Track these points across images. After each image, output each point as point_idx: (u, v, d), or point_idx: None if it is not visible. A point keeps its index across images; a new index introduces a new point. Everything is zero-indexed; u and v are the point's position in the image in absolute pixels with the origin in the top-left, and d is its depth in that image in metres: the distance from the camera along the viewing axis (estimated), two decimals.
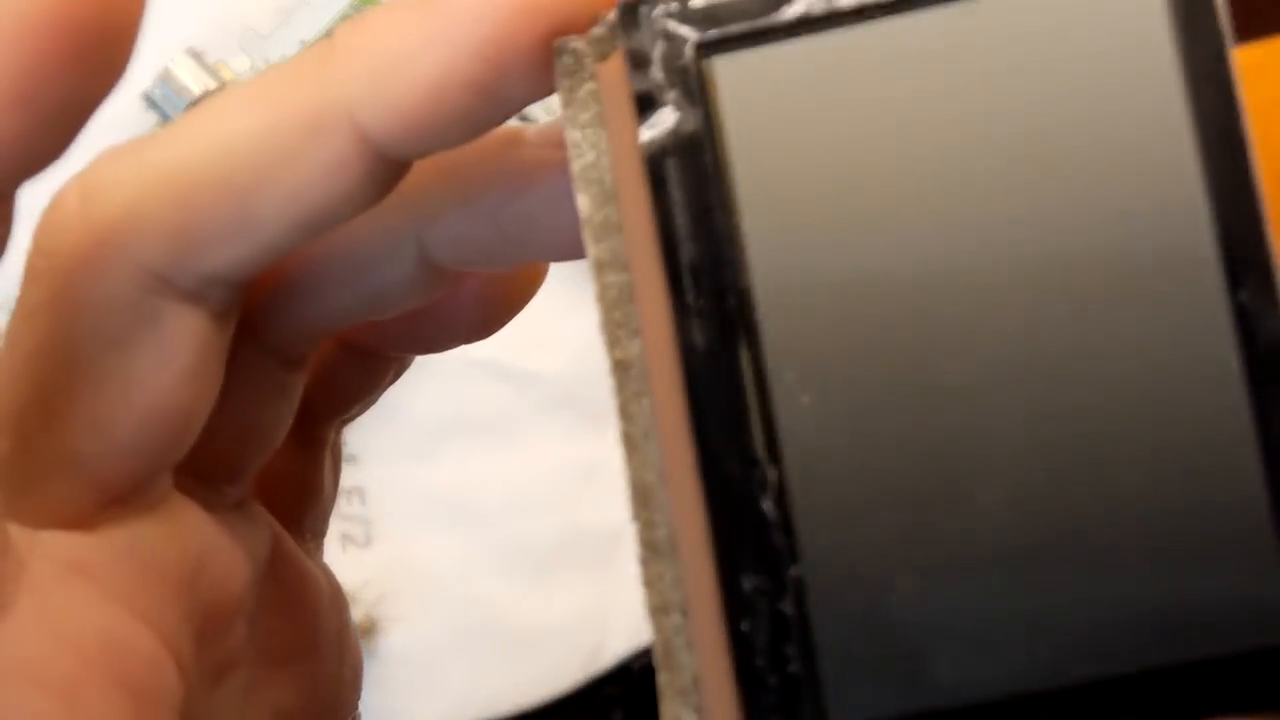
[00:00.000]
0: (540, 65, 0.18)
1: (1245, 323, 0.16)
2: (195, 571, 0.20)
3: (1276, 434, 0.16)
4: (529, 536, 0.49)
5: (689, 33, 0.17)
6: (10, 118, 0.16)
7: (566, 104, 0.18)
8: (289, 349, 0.21)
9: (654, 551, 0.17)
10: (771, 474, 0.16)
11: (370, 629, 0.49)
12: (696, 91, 0.17)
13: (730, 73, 0.17)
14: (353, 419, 0.24)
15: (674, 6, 0.17)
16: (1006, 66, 0.17)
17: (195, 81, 0.50)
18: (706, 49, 0.17)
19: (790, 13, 0.17)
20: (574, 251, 0.20)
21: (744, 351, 0.17)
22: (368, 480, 0.50)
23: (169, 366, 0.19)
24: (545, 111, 0.46)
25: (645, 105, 0.17)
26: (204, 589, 0.20)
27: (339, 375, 0.24)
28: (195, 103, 0.49)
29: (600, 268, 0.17)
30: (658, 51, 0.17)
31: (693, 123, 0.17)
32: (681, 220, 0.17)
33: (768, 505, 0.16)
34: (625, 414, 0.17)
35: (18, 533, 0.18)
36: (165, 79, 0.50)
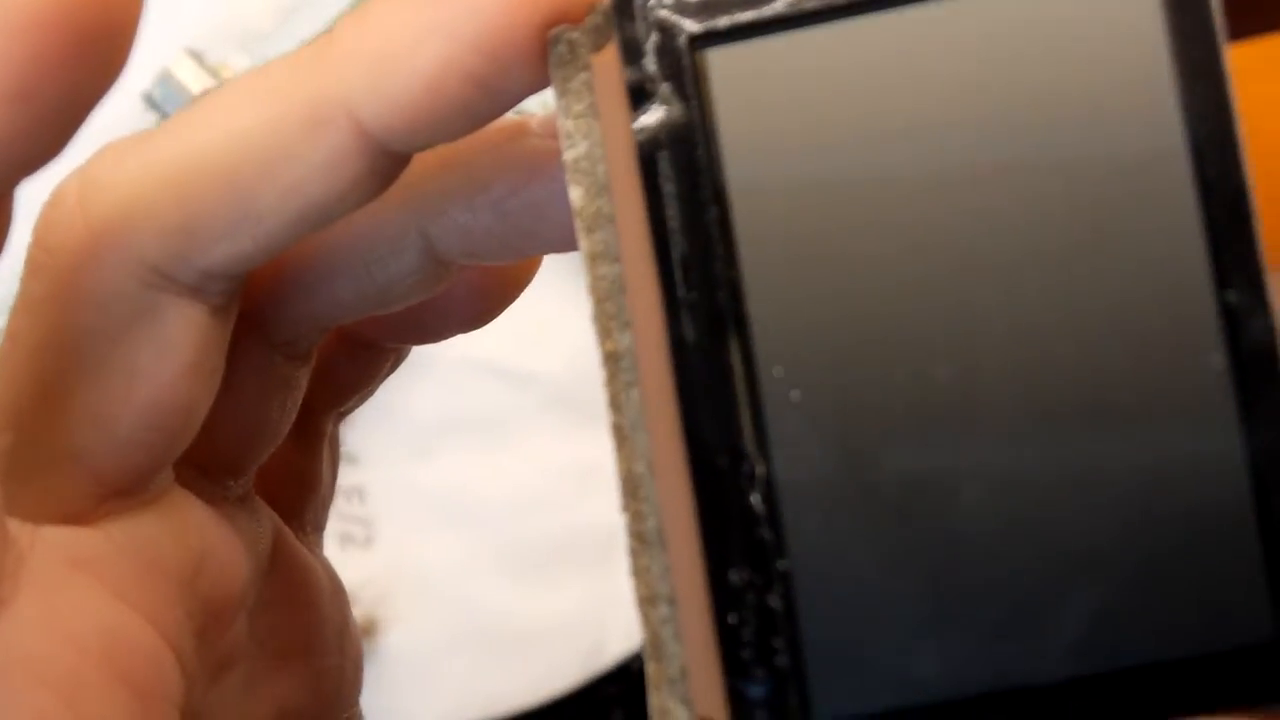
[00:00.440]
0: (538, 56, 0.18)
1: (1233, 323, 0.16)
2: (197, 567, 0.20)
3: (1262, 434, 0.16)
4: (529, 536, 0.49)
5: (683, 24, 0.17)
6: (10, 113, 0.16)
7: (560, 94, 0.18)
8: (294, 343, 0.22)
9: (643, 542, 0.17)
10: (760, 468, 0.17)
11: (370, 629, 0.49)
12: (690, 83, 0.17)
13: (723, 65, 0.17)
14: (350, 410, 0.24)
15: None
16: (999, 60, 0.17)
17: (195, 81, 0.50)
18: (700, 41, 0.17)
19: (783, 5, 0.17)
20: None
21: (734, 346, 0.17)
22: (368, 480, 0.50)
23: (169, 361, 0.19)
24: (540, 106, 0.46)
25: (638, 96, 0.17)
26: (205, 584, 0.20)
27: (337, 367, 0.24)
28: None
29: (593, 259, 0.17)
30: (651, 43, 0.17)
31: (685, 115, 0.17)
32: (673, 212, 0.17)
33: (755, 499, 0.16)
34: (615, 405, 0.17)
35: (18, 528, 0.18)
36: (165, 79, 0.50)
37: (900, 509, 0.16)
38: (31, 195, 0.18)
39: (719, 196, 0.17)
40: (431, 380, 0.50)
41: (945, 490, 0.16)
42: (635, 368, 0.17)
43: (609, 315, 0.17)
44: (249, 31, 0.51)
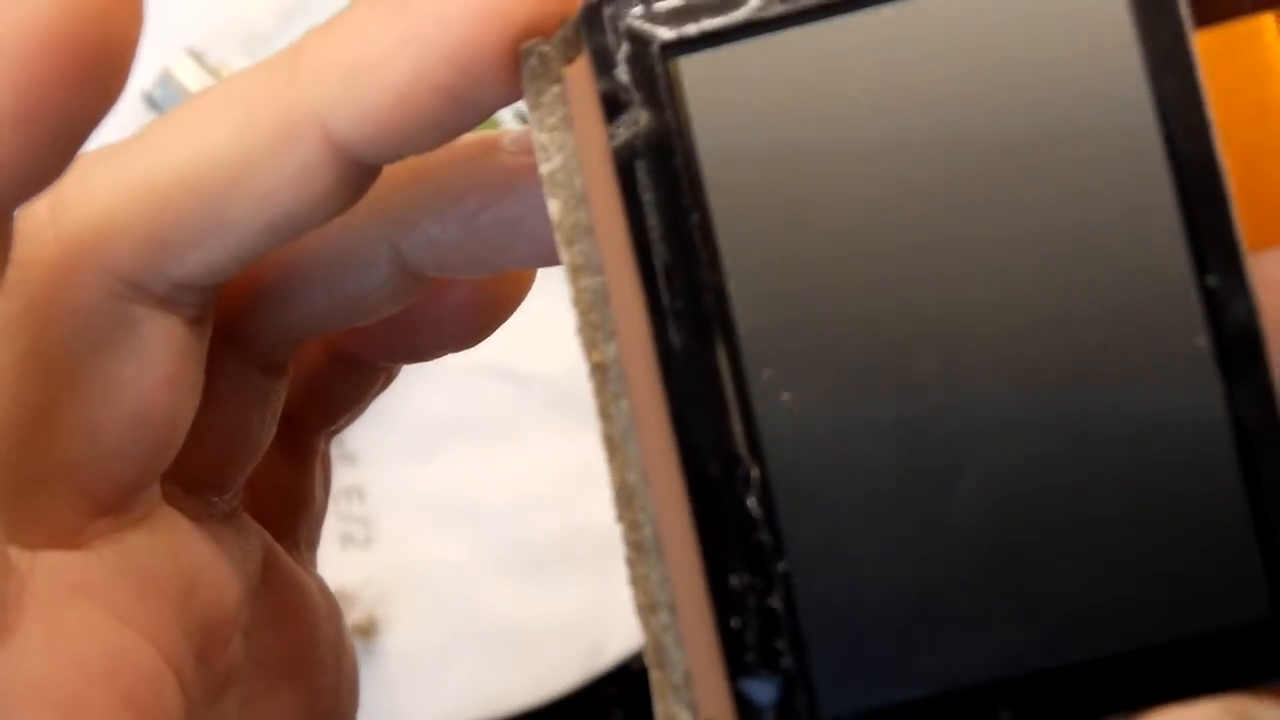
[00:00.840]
0: (510, 69, 0.18)
1: (1214, 306, 0.16)
2: (190, 586, 0.20)
3: (1247, 415, 0.16)
4: (529, 536, 0.49)
5: (653, 33, 0.17)
6: (10, 138, 0.16)
7: (533, 107, 0.18)
8: (269, 355, 0.22)
9: (640, 551, 0.17)
10: (754, 471, 0.17)
11: (370, 629, 0.49)
12: (663, 92, 0.17)
13: (696, 72, 0.17)
14: (341, 429, 0.24)
15: (637, 7, 0.17)
16: (969, 56, 0.17)
17: (195, 82, 0.50)
18: (671, 49, 0.17)
19: (750, 10, 0.17)
20: (552, 257, 0.20)
21: (721, 350, 0.17)
22: (368, 480, 0.50)
23: (149, 372, 0.19)
24: (514, 116, 0.46)
25: (612, 107, 0.17)
26: (200, 604, 0.20)
27: (328, 385, 0.24)
28: None
29: (574, 271, 0.17)
30: (622, 52, 0.17)
31: (660, 123, 0.17)
32: (653, 221, 0.17)
33: (752, 502, 0.17)
34: (605, 415, 0.17)
35: (17, 554, 0.18)
36: (165, 79, 0.50)
37: (896, 504, 0.16)
38: None
39: (699, 203, 0.17)
40: (431, 380, 0.50)
41: (939, 483, 0.16)
42: (623, 378, 0.17)
43: (594, 326, 0.17)
44: (249, 32, 0.51)
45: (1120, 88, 0.16)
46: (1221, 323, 0.16)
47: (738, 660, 0.16)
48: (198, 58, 0.50)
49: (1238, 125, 0.17)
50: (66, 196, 0.18)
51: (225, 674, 0.21)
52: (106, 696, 0.18)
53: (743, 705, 0.16)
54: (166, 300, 0.19)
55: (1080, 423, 0.16)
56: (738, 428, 0.17)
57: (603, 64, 0.17)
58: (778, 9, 0.17)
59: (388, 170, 0.19)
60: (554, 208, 0.18)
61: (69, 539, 0.19)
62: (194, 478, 0.21)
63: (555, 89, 0.18)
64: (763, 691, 0.16)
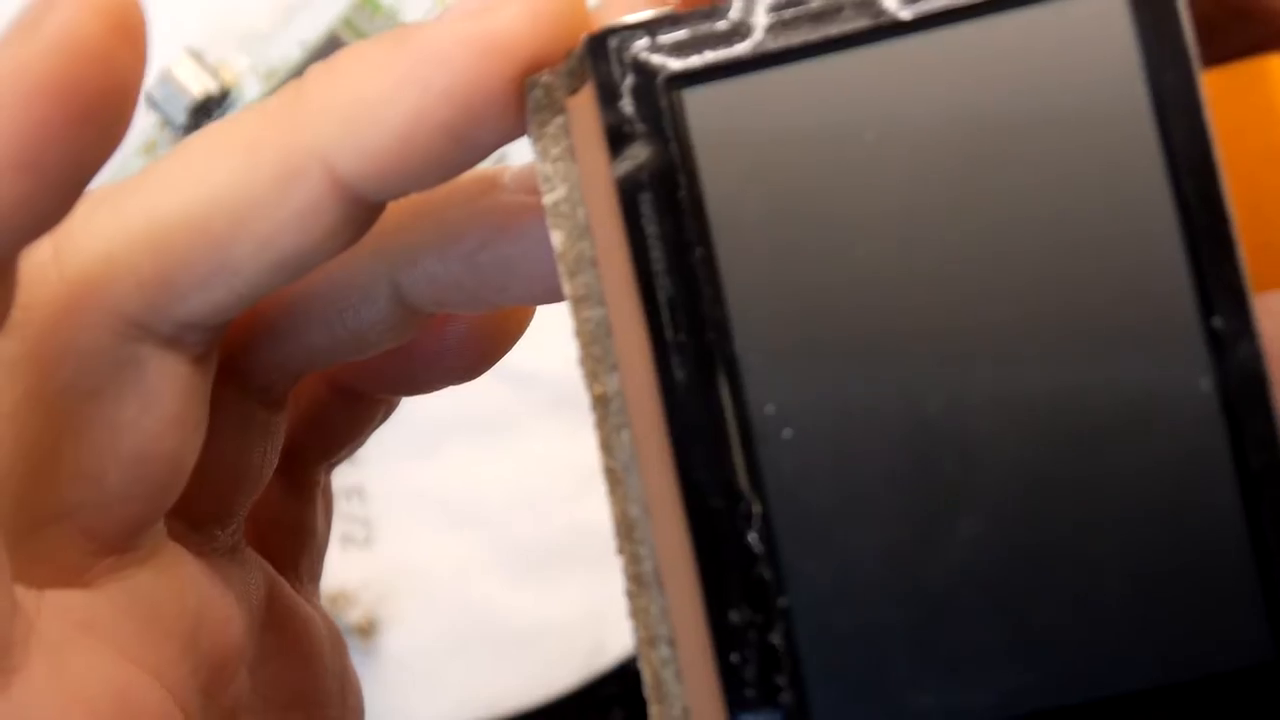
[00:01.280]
0: (511, 107, 0.17)
1: (1219, 348, 0.16)
2: (196, 622, 0.20)
3: (1252, 460, 0.16)
4: (529, 536, 0.49)
5: (658, 65, 0.17)
6: (15, 182, 0.16)
7: (537, 139, 0.18)
8: (269, 390, 0.22)
9: (640, 584, 0.17)
10: (755, 507, 0.17)
11: (370, 629, 0.49)
12: (667, 124, 0.17)
13: (700, 104, 0.17)
14: (342, 460, 0.24)
15: (642, 39, 0.17)
16: (974, 95, 0.16)
17: (195, 81, 0.50)
18: (676, 81, 0.17)
19: (758, 43, 0.17)
20: (553, 295, 0.20)
21: (724, 385, 0.17)
22: (368, 480, 0.50)
23: (153, 412, 0.19)
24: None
25: (616, 139, 0.17)
26: (206, 640, 0.20)
27: (328, 418, 0.24)
28: (196, 104, 0.49)
29: (576, 303, 0.17)
30: (627, 84, 0.17)
31: (664, 156, 0.17)
32: (657, 254, 0.17)
33: (753, 538, 0.16)
34: (606, 448, 0.17)
35: (24, 594, 0.18)
36: (165, 79, 0.50)
37: (896, 541, 0.16)
38: None
39: (702, 236, 0.17)
40: None
41: (941, 521, 0.16)
42: (625, 410, 0.17)
43: (596, 359, 0.17)
44: (249, 31, 0.50)
45: (1127, 127, 0.16)
46: (1227, 365, 0.16)
47: (737, 695, 0.16)
48: (197, 57, 0.50)
49: (1246, 165, 0.17)
50: (70, 236, 0.18)
51: (231, 709, 0.21)
52: None
53: None
54: (171, 340, 0.19)
55: (1084, 464, 0.16)
56: (740, 462, 0.17)
57: (607, 95, 0.17)
58: (782, 43, 0.17)
59: (389, 207, 0.19)
60: (557, 239, 0.17)
61: (75, 578, 0.19)
62: (197, 512, 0.21)
63: (559, 120, 0.18)
64: None
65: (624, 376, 0.17)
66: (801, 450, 0.16)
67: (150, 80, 0.49)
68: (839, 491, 0.16)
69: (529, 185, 0.20)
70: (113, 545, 0.19)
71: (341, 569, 0.49)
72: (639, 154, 0.17)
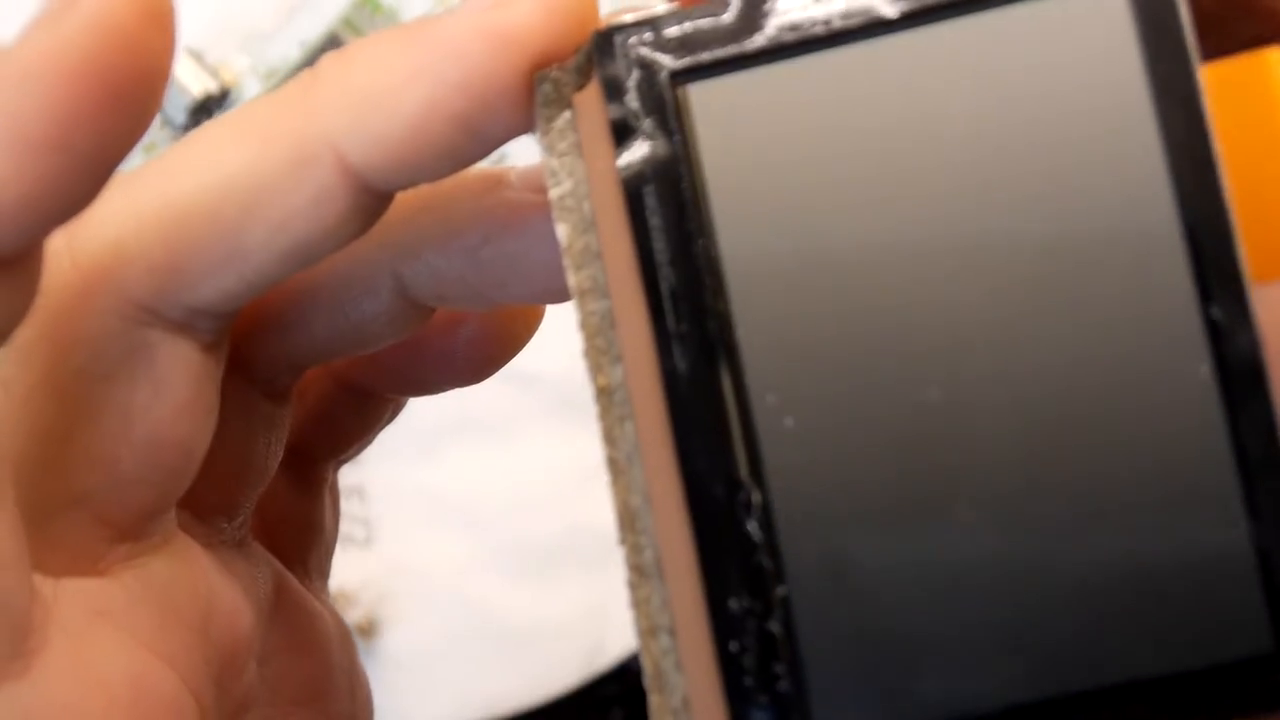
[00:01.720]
0: (523, 99, 0.18)
1: (1217, 337, 0.16)
2: (207, 611, 0.20)
3: (1251, 448, 0.16)
4: (529, 536, 0.49)
5: (663, 60, 0.17)
6: (45, 162, 0.16)
7: (545, 133, 0.18)
8: (273, 381, 0.22)
9: (641, 574, 0.17)
10: (756, 496, 0.17)
11: (370, 629, 0.49)
12: (672, 119, 0.17)
13: (704, 99, 0.17)
14: (350, 458, 0.25)
15: (648, 35, 0.17)
16: (976, 89, 0.17)
17: (195, 81, 0.50)
18: (680, 76, 0.17)
19: (761, 39, 0.17)
20: (554, 294, 0.20)
21: (725, 375, 0.17)
22: (368, 480, 0.50)
23: (165, 398, 0.19)
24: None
25: (622, 133, 0.17)
26: (216, 630, 0.20)
27: (337, 416, 0.24)
28: (196, 104, 0.49)
29: (581, 295, 0.18)
30: (633, 79, 0.17)
31: (669, 150, 0.17)
32: (660, 246, 0.17)
33: (753, 527, 0.17)
34: (609, 439, 0.17)
35: (41, 581, 0.19)
36: None
37: (896, 531, 0.16)
38: None
39: (705, 229, 0.17)
40: None
41: (942, 512, 0.16)
42: (628, 401, 0.17)
43: (600, 350, 0.17)
44: (249, 31, 0.50)
45: (1126, 119, 0.16)
46: (1225, 354, 0.16)
47: (736, 684, 0.17)
48: (197, 57, 0.50)
49: (1244, 156, 0.17)
50: (81, 223, 0.18)
51: (242, 700, 0.21)
52: None
53: None
54: (182, 326, 0.19)
55: (1082, 454, 0.16)
56: (740, 452, 0.17)
57: (613, 91, 0.17)
58: (787, 37, 0.17)
59: (395, 199, 0.19)
60: (563, 232, 0.18)
61: (90, 565, 0.19)
62: (204, 503, 0.21)
63: (566, 115, 0.18)
64: (760, 715, 0.17)
65: (627, 368, 0.17)
66: (802, 440, 0.17)
67: None
68: (839, 481, 0.17)
69: (535, 184, 0.20)
70: (126, 532, 0.19)
71: (341, 569, 0.49)
72: (643, 147, 0.17)
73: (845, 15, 0.17)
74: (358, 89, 0.18)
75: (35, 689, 0.18)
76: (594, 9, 0.18)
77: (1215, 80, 0.17)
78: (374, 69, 0.18)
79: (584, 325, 0.18)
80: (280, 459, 0.22)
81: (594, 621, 0.48)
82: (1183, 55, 0.16)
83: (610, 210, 0.17)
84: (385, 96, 0.17)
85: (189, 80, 0.50)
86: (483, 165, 0.19)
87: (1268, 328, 0.16)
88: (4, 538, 0.17)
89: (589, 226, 0.18)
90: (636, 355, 0.17)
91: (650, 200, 0.17)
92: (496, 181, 0.20)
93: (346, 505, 0.50)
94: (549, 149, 0.18)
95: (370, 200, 0.18)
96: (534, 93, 0.18)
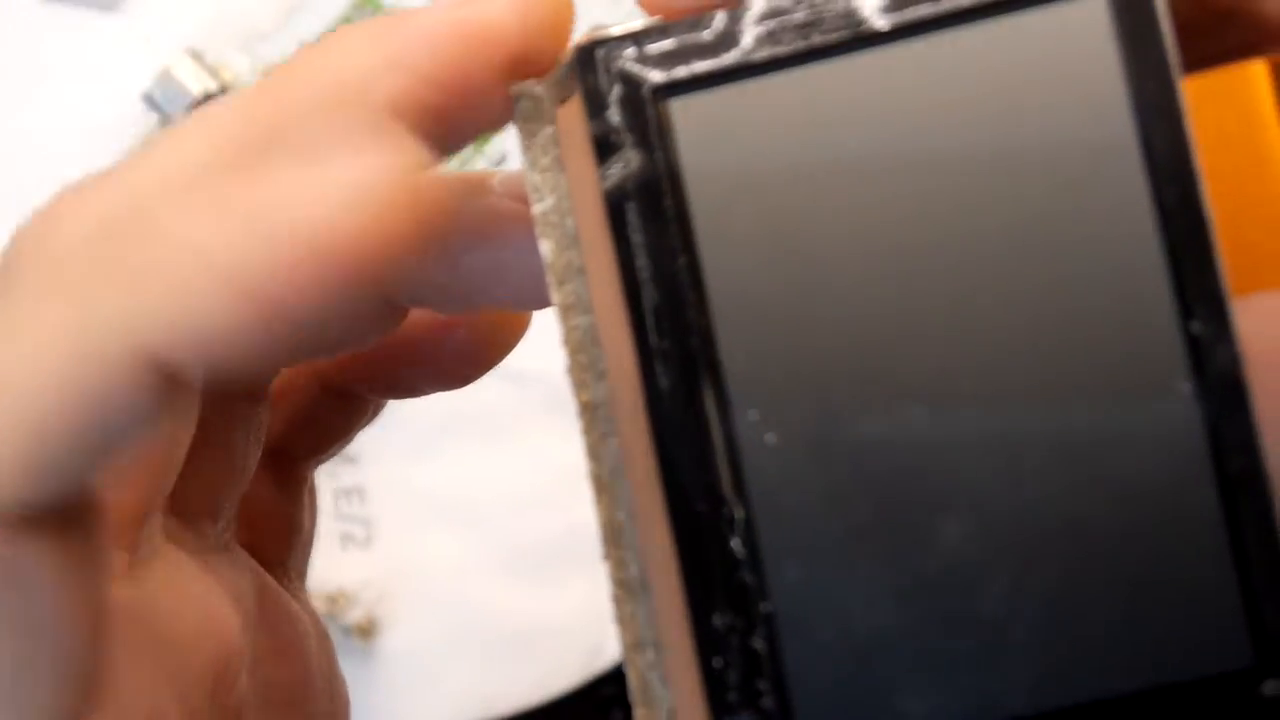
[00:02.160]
0: (495, 98, 0.18)
1: (1198, 353, 0.16)
2: (200, 626, 0.20)
3: (1231, 464, 0.16)
4: (529, 536, 0.49)
5: (645, 75, 0.17)
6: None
7: (526, 149, 0.18)
8: (250, 382, 0.22)
9: (626, 590, 0.17)
10: (739, 512, 0.17)
11: (370, 629, 0.49)
12: (654, 134, 0.17)
13: (686, 114, 0.17)
14: (329, 458, 0.25)
15: (630, 49, 0.17)
16: (957, 103, 0.17)
17: (195, 81, 0.50)
18: (662, 91, 0.17)
19: (744, 53, 0.17)
20: (535, 300, 0.20)
21: (708, 391, 0.17)
22: (368, 480, 0.50)
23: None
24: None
25: (604, 148, 0.17)
26: (209, 644, 0.20)
27: (318, 416, 0.24)
28: (196, 104, 0.49)
29: (565, 311, 0.18)
30: (615, 95, 0.17)
31: (651, 165, 0.17)
32: (643, 262, 0.17)
33: (736, 543, 0.17)
34: (593, 455, 0.17)
35: None
36: (165, 79, 0.50)
37: (879, 547, 0.16)
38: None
39: (687, 245, 0.17)
40: None
41: (923, 527, 0.16)
42: (612, 417, 0.17)
43: (583, 367, 0.17)
44: (249, 31, 0.50)
45: (1108, 134, 0.16)
46: (1205, 369, 0.16)
47: (720, 700, 0.17)
48: (197, 57, 0.50)
49: (1226, 170, 0.17)
50: None
51: (235, 711, 0.21)
52: None
53: None
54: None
55: (1062, 470, 0.16)
56: (723, 468, 0.17)
57: (595, 106, 0.17)
58: (768, 52, 0.17)
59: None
60: (546, 248, 0.18)
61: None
62: (187, 506, 0.21)
63: (548, 130, 0.18)
64: None
65: (611, 384, 0.17)
66: (784, 456, 0.17)
67: (150, 80, 0.50)
68: (822, 497, 0.17)
69: (517, 191, 0.20)
70: (115, 539, 0.19)
71: (341, 569, 0.49)
72: (626, 163, 0.17)
73: (828, 30, 0.17)
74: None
75: None
76: (569, 11, 0.18)
77: (1197, 93, 0.17)
78: (347, 60, 0.17)
79: (567, 341, 0.18)
80: (259, 458, 0.22)
81: (594, 622, 0.48)
82: (1165, 70, 0.16)
83: (593, 226, 0.17)
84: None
85: (189, 80, 0.50)
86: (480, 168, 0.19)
87: (1249, 340, 0.16)
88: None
89: (571, 242, 0.18)
90: (621, 371, 0.17)
91: (633, 216, 0.17)
92: (480, 187, 0.20)
93: (347, 505, 0.50)
94: (531, 164, 0.18)
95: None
96: (509, 91, 0.18)
